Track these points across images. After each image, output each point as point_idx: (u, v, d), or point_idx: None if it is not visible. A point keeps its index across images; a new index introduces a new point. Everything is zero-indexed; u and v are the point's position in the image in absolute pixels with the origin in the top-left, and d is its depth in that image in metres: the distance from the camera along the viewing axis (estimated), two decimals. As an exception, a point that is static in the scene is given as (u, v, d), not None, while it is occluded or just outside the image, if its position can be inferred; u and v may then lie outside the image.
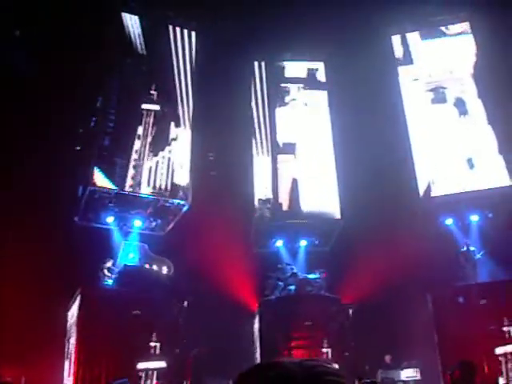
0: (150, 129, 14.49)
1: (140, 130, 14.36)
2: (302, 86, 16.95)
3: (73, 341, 12.68)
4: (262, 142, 15.96)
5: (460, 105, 15.32)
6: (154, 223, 14.63)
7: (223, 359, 13.14)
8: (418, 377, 12.83)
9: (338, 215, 15.24)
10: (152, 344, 12.56)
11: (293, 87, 16.93)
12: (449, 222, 14.45)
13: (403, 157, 15.00)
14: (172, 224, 14.69)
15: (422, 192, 14.73)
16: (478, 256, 13.92)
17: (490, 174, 14.35)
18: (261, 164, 15.81)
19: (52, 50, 13.62)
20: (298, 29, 15.25)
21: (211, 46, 15.45)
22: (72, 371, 12.21)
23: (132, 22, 15.01)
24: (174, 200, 14.54)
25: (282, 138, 16.12)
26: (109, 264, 13.72)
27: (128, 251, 14.06)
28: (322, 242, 15.45)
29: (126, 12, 15.02)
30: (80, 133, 14.52)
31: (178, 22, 15.74)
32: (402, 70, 16.26)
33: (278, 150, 15.91)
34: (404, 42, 16.47)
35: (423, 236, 13.59)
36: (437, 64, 16.05)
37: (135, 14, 15.06)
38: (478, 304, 13.18)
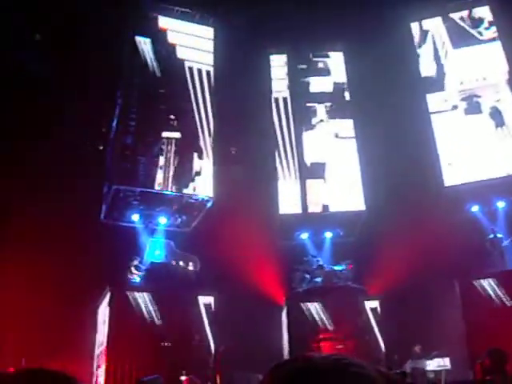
0: (171, 159, 14.46)
1: (162, 161, 14.32)
2: (328, 105, 16.73)
3: (103, 337, 12.87)
4: (288, 163, 15.95)
5: (496, 115, 14.91)
6: (179, 220, 14.72)
7: (251, 353, 13.18)
8: (448, 366, 12.71)
9: (362, 206, 15.18)
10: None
11: (319, 107, 16.74)
12: (475, 208, 14.28)
13: (427, 146, 14.89)
14: (197, 220, 14.75)
15: (446, 180, 14.59)
16: (506, 243, 13.78)
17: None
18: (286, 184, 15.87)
19: (66, 51, 13.79)
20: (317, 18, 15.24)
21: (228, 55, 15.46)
22: (103, 367, 12.41)
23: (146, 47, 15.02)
24: (199, 196, 14.60)
25: (309, 160, 16.08)
26: (136, 262, 13.86)
27: (154, 248, 14.19)
28: (346, 234, 15.39)
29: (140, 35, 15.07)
30: (102, 132, 14.65)
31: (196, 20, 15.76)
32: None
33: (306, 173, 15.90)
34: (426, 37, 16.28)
35: (449, 224, 13.48)
36: (469, 70, 15.51)
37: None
38: (507, 291, 13.11)
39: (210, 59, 15.63)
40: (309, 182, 15.67)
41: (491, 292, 13.33)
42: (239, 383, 12.53)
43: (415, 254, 12.90)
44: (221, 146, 15.24)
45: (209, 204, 14.63)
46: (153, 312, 13.25)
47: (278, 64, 17.05)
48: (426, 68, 15.90)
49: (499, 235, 13.85)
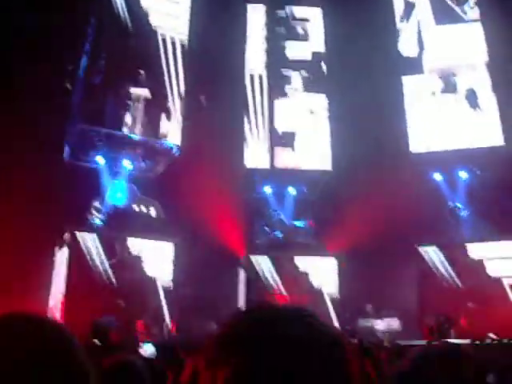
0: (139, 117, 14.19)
1: (128, 118, 14.04)
2: (305, 74, 16.38)
3: (61, 279, 12.85)
4: (257, 128, 15.81)
5: (471, 96, 14.83)
6: (143, 164, 14.54)
7: (208, 302, 13.35)
8: (397, 326, 13.09)
9: (328, 166, 15.25)
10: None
11: (295, 75, 16.41)
12: (437, 177, 14.47)
13: (397, 113, 14.95)
14: (162, 166, 14.61)
15: (412, 147, 14.73)
16: (463, 214, 14.07)
17: (482, 132, 14.34)
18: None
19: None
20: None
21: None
22: (58, 308, 12.43)
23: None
24: (165, 142, 14.45)
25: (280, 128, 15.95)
26: (97, 204, 13.75)
27: (116, 191, 14.05)
28: (310, 192, 15.44)
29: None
30: (69, 70, 14.21)
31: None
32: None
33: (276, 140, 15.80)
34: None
35: (412, 190, 13.68)
36: (448, 48, 15.30)
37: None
38: (462, 261, 13.53)
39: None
40: (277, 149, 15.63)
41: (443, 261, 13.76)
42: (195, 330, 12.68)
43: (376, 216, 13.08)
44: (190, 94, 15.01)
45: (175, 151, 14.49)
46: (110, 255, 13.29)
47: (256, 19, 16.72)
48: (406, 46, 15.71)
49: (459, 205, 14.13)
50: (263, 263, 14.59)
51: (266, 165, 15.50)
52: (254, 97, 15.98)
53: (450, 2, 15.44)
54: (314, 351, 1.08)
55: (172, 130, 14.51)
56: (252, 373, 1.05)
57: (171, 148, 14.54)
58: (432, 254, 13.97)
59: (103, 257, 13.07)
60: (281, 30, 16.66)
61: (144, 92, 14.23)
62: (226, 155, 14.70)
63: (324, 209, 14.81)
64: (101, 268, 13.00)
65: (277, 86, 16.11)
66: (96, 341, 9.28)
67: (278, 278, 14.46)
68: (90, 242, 13.12)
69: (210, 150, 13.89)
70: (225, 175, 14.11)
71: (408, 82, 15.39)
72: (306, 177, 15.51)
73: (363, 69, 14.87)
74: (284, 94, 16.09)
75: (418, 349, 2.98)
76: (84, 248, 13.05)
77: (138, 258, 13.52)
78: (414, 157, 14.73)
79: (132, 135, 14.04)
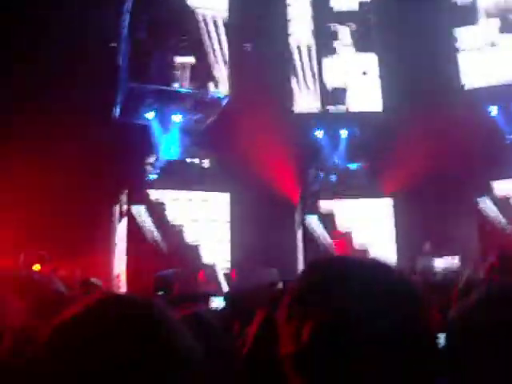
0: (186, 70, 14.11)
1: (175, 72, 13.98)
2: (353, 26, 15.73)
3: (122, 236, 13.24)
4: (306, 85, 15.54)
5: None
6: (194, 117, 14.59)
7: (265, 250, 13.53)
8: (458, 264, 12.99)
9: (379, 107, 15.00)
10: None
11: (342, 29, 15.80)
12: (494, 111, 14.06)
13: (448, 50, 14.49)
14: (212, 117, 14.63)
15: (466, 82, 14.31)
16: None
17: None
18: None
19: None
20: None
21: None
22: (123, 265, 12.84)
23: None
24: (213, 92, 14.44)
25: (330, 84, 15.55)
26: (151, 160, 13.96)
27: (169, 146, 14.20)
28: (363, 133, 15.24)
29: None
30: (114, 28, 14.23)
31: None
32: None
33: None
34: None
35: (467, 127, 13.38)
36: None
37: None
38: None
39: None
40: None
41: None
42: (256, 278, 12.88)
43: (431, 154, 12.86)
44: (236, 43, 14.88)
45: (224, 101, 14.48)
46: (170, 211, 13.57)
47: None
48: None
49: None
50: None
51: (316, 109, 15.29)
52: (300, 57, 15.67)
53: None
54: (393, 305, 1.11)
55: (220, 80, 14.46)
56: (339, 324, 1.11)
57: (220, 98, 14.52)
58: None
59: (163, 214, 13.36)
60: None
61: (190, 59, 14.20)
62: (276, 101, 14.64)
63: (378, 150, 14.62)
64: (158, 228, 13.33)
65: (324, 44, 15.69)
66: (160, 293, 9.57)
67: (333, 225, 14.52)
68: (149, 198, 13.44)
69: (259, 97, 13.83)
70: (276, 121, 14.05)
71: (462, 34, 14.73)
72: (358, 118, 15.29)
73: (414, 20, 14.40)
74: (333, 51, 15.67)
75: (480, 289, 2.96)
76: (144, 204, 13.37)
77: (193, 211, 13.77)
78: (468, 92, 14.31)
79: (180, 89, 14.06)
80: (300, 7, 15.87)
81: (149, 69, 13.59)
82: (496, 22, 14.28)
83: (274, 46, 15.23)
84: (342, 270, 1.18)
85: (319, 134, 15.21)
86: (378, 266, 1.20)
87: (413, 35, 14.18)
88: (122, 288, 12.35)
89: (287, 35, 15.61)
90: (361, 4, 15.67)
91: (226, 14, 14.67)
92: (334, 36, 15.62)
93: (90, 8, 13.05)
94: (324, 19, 15.74)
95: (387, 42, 15.04)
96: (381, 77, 15.11)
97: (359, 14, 15.63)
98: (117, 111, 13.88)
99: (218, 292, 11.24)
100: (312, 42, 15.68)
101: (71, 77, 12.93)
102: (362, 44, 15.47)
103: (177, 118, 14.20)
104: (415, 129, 13.33)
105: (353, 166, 15.04)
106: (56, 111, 12.84)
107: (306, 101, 15.30)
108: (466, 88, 14.34)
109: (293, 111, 15.14)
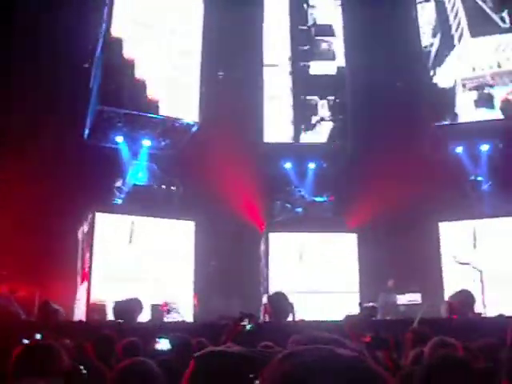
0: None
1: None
2: None
3: (85, 257, 13.08)
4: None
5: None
6: (163, 143, 14.60)
7: (229, 277, 13.51)
8: (419, 301, 13.10)
9: (347, 139, 15.17)
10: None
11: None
12: (459, 149, 14.34)
13: (417, 82, 14.77)
14: (181, 144, 14.64)
15: (433, 120, 14.58)
16: (485, 187, 13.99)
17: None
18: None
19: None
20: None
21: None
22: (86, 287, 12.66)
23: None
24: (184, 120, 14.46)
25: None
26: (118, 183, 13.90)
27: (137, 171, 14.16)
28: (330, 166, 15.36)
29: None
30: (89, 49, 14.25)
31: None
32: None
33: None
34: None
35: (433, 163, 13.63)
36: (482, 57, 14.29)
37: None
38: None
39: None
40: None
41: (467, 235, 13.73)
42: (217, 306, 12.82)
43: (397, 190, 13.00)
44: (209, 69, 14.97)
45: (194, 128, 14.51)
46: (134, 234, 13.46)
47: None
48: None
49: (480, 178, 14.04)
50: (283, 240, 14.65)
51: (283, 138, 15.40)
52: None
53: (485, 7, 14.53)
54: None
55: (191, 107, 14.48)
56: None
57: (190, 125, 14.54)
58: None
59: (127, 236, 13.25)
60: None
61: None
62: (246, 130, 14.72)
63: (344, 184, 14.76)
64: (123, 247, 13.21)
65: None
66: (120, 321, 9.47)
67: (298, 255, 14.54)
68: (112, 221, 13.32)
69: (229, 125, 13.92)
70: (245, 150, 14.12)
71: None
72: (325, 150, 15.42)
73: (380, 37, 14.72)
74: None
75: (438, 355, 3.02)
76: (108, 227, 13.24)
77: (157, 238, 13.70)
78: (435, 129, 14.57)
79: (150, 114, 14.05)
80: (276, 36, 16.06)
81: (120, 93, 13.57)
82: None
83: (247, 74, 15.34)
84: (317, 362, 1.19)
85: (288, 165, 15.28)
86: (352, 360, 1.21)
87: (383, 67, 14.46)
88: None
89: (262, 65, 15.70)
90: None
91: (200, 42, 14.76)
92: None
93: (63, 27, 13.10)
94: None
95: (357, 78, 15.30)
96: (351, 108, 15.27)
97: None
98: (86, 133, 13.81)
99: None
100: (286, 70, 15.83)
101: (41, 93, 12.92)
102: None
103: (146, 143, 14.19)
104: (382, 162, 13.52)
105: (319, 199, 15.11)
106: (23, 126, 12.79)
107: (277, 132, 15.37)
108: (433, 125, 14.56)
109: (263, 141, 15.17)
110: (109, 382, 3.09)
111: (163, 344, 4.05)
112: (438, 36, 14.90)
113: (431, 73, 14.67)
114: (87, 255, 12.87)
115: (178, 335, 5.07)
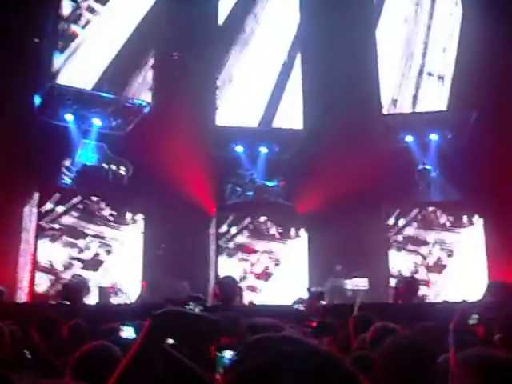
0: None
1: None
2: None
3: (29, 238, 12.83)
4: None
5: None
6: (113, 123, 14.35)
7: (178, 260, 13.46)
8: (366, 286, 13.31)
9: (300, 125, 15.20)
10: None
11: None
12: (409, 139, 14.56)
13: (369, 72, 14.89)
14: (132, 124, 14.44)
15: (385, 109, 14.76)
16: (433, 174, 14.28)
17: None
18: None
19: None
20: None
21: None
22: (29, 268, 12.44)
23: None
24: (136, 100, 14.27)
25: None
26: (67, 162, 13.64)
27: (87, 150, 13.92)
28: (282, 151, 15.41)
29: None
30: (39, 22, 13.84)
31: None
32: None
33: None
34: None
35: (383, 152, 13.82)
36: None
37: None
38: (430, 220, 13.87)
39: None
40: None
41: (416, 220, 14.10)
42: (165, 289, 12.77)
43: (347, 177, 13.10)
44: (163, 50, 14.78)
45: (146, 109, 14.34)
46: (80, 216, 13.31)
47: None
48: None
49: (428, 167, 14.33)
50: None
51: (235, 122, 15.35)
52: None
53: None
54: None
55: (142, 87, 14.31)
56: None
57: (142, 106, 14.36)
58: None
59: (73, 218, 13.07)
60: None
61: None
62: (199, 113, 14.60)
63: (296, 168, 14.81)
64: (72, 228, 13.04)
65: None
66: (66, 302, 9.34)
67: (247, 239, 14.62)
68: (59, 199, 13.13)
69: (182, 107, 13.78)
70: (197, 133, 14.02)
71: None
72: (278, 135, 15.44)
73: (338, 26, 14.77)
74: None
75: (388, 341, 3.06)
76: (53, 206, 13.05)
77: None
78: (386, 118, 14.78)
79: (102, 93, 13.81)
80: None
81: (71, 69, 13.30)
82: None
83: (202, 57, 15.17)
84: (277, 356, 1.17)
85: (239, 148, 15.24)
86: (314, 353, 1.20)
87: (337, 55, 14.54)
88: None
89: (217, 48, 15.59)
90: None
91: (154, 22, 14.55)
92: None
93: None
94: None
95: (311, 60, 15.34)
96: (304, 95, 15.29)
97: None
98: (36, 110, 13.46)
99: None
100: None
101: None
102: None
103: (97, 122, 13.94)
104: (333, 149, 13.61)
105: (270, 184, 15.16)
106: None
107: (228, 114, 15.31)
108: (384, 113, 14.76)
109: (215, 124, 15.10)
110: (69, 366, 3.03)
111: (128, 332, 3.96)
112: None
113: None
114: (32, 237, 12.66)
115: (143, 323, 5.01)
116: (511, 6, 12.86)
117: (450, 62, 14.47)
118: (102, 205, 13.63)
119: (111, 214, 13.71)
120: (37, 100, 13.39)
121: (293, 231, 14.67)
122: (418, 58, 14.89)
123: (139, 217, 13.99)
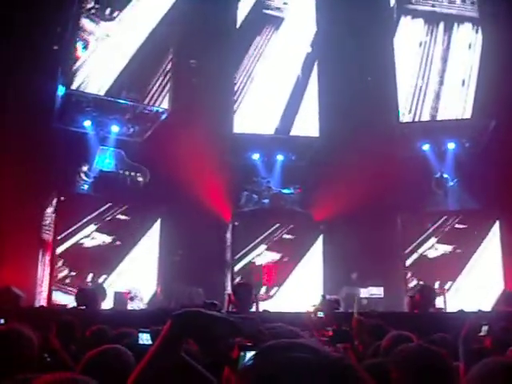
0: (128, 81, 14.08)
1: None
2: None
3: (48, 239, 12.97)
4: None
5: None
6: (131, 129, 14.46)
7: (194, 266, 13.49)
8: (381, 295, 13.27)
9: (316, 133, 15.20)
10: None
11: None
12: (425, 147, 14.51)
13: (387, 80, 14.87)
14: (150, 131, 14.54)
15: (402, 116, 14.71)
16: (451, 184, 14.21)
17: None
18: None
19: None
20: None
21: None
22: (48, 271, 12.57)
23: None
24: (153, 107, 14.36)
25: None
26: (85, 168, 13.75)
27: (104, 157, 14.02)
28: (298, 158, 15.42)
29: None
30: (58, 31, 14.00)
31: None
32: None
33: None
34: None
35: (399, 159, 13.79)
36: None
37: None
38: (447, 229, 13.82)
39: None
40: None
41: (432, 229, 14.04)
42: (180, 295, 12.81)
43: (363, 185, 13.08)
44: (181, 57, 14.87)
45: (163, 116, 14.42)
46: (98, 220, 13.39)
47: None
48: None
49: (445, 176, 14.26)
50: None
51: (252, 129, 15.38)
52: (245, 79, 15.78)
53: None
54: None
55: (160, 94, 14.40)
56: None
57: (159, 112, 14.45)
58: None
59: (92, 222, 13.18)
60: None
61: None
62: (216, 120, 14.65)
63: (312, 176, 14.82)
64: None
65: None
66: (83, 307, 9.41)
67: (263, 246, 14.60)
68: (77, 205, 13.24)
69: (199, 114, 13.85)
70: (214, 140, 14.05)
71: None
72: (294, 143, 15.46)
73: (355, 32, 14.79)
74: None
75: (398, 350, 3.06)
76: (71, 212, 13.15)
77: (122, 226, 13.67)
78: (402, 126, 14.74)
79: (120, 100, 13.91)
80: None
81: (90, 76, 13.42)
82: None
83: (219, 63, 15.23)
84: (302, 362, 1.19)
85: (255, 156, 15.27)
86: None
87: (354, 63, 14.56)
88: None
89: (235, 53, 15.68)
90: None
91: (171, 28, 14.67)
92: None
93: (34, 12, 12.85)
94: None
95: (328, 68, 15.36)
96: (320, 102, 15.30)
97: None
98: (54, 117, 13.58)
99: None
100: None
101: (11, 74, 12.67)
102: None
103: (114, 129, 14.05)
104: (349, 157, 13.60)
105: (286, 191, 15.17)
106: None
107: (245, 122, 15.33)
108: (402, 121, 14.72)
109: (232, 131, 15.13)
110: (77, 369, 3.05)
111: (144, 338, 3.97)
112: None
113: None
114: (50, 240, 12.76)
115: (160, 329, 5.02)
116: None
117: (473, 70, 14.40)
118: (119, 210, 13.68)
119: (128, 220, 13.76)
120: (56, 107, 13.51)
121: (308, 238, 14.62)
122: (437, 64, 14.82)
123: (156, 222, 14.02)
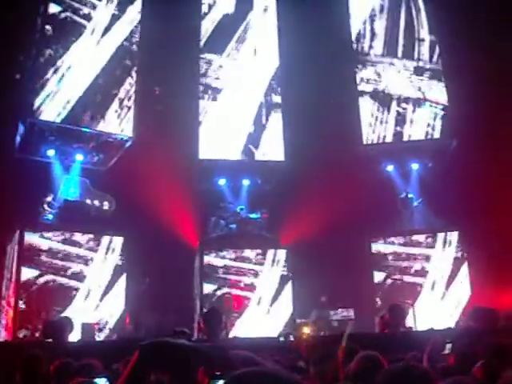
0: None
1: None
2: None
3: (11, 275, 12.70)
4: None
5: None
6: (96, 158, 14.32)
7: (163, 294, 13.36)
8: (352, 316, 13.27)
9: (281, 157, 15.26)
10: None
11: None
12: (390, 168, 14.69)
13: (350, 104, 15.06)
14: (115, 159, 14.41)
15: (365, 139, 14.87)
16: (416, 203, 14.38)
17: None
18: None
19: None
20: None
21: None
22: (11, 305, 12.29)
23: None
24: (118, 135, 14.27)
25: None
26: (49, 199, 13.56)
27: (69, 186, 13.85)
28: (264, 182, 15.44)
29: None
30: (20, 60, 13.88)
31: None
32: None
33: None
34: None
35: (364, 181, 13.92)
36: None
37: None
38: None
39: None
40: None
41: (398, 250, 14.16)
42: (147, 325, 12.65)
43: (329, 207, 13.17)
44: (144, 84, 14.86)
45: (128, 144, 14.33)
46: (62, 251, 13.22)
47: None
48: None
49: (410, 195, 14.43)
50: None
51: (218, 155, 15.37)
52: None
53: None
54: None
55: (124, 122, 14.33)
56: None
57: (124, 140, 14.36)
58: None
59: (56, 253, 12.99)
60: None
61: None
62: (182, 146, 14.63)
63: (278, 199, 14.85)
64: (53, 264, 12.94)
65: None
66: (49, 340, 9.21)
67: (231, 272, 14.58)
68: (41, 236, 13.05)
69: (164, 141, 13.82)
70: (180, 166, 14.02)
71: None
72: (260, 167, 15.50)
73: (315, 61, 14.96)
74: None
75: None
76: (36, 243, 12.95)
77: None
78: (366, 148, 14.89)
79: (84, 128, 13.81)
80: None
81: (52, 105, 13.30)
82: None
83: (184, 91, 15.25)
84: None
85: (222, 181, 15.25)
86: None
87: (316, 87, 14.71)
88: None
89: (199, 82, 15.69)
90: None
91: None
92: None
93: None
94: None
95: (291, 93, 15.49)
96: (284, 126, 15.40)
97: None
98: (16, 146, 13.40)
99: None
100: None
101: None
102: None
103: (79, 158, 13.91)
104: (315, 180, 13.70)
105: (253, 216, 15.16)
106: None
107: (212, 147, 15.33)
108: (365, 143, 14.87)
109: (198, 157, 15.10)
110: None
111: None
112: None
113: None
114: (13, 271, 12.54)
115: (117, 369, 4.92)
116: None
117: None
118: (83, 238, 13.56)
119: (92, 248, 13.64)
120: (18, 137, 13.34)
121: (276, 263, 14.63)
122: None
123: (123, 251, 13.90)
